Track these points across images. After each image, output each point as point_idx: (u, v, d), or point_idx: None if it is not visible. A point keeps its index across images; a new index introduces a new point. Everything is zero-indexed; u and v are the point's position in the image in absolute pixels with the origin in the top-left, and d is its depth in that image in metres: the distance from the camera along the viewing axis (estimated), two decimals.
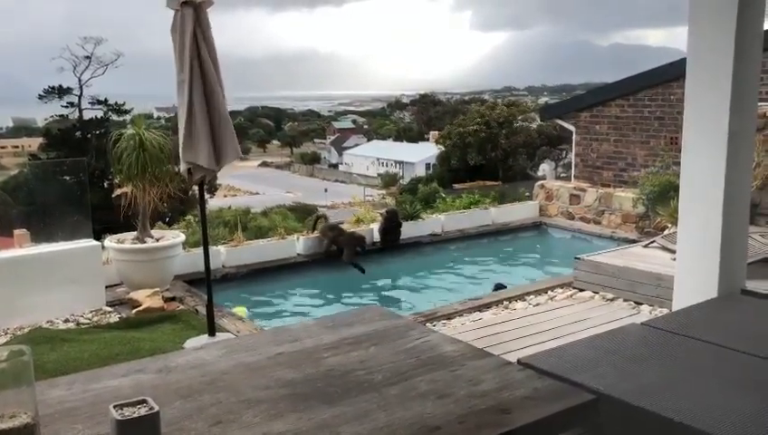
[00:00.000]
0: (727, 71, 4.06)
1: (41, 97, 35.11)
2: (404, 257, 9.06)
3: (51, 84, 34.98)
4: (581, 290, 6.78)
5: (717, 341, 3.32)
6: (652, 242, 7.29)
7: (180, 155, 5.21)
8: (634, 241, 8.47)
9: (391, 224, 9.01)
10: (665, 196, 8.37)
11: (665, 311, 5.55)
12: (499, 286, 7.49)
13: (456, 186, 22.61)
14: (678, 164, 4.64)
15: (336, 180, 67.60)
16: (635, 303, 6.32)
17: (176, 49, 5.09)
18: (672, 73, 9.50)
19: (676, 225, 4.68)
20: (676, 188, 6.06)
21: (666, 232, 7.65)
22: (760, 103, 6.18)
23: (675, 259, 4.69)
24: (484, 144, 31.39)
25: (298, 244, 8.56)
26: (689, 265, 4.41)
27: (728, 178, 4.15)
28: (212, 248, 7.14)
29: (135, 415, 1.67)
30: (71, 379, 2.13)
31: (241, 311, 6.61)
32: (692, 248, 4.39)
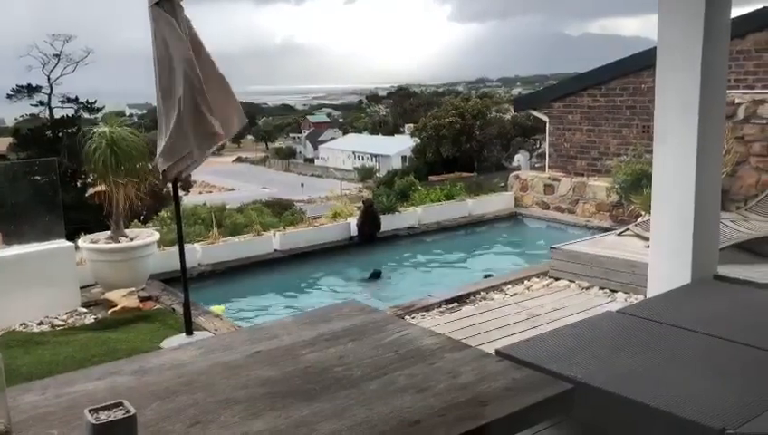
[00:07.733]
0: (696, 59, 4.11)
1: (9, 96, 34.54)
2: (382, 250, 9.07)
3: (19, 83, 34.41)
4: (557, 279, 6.84)
5: (691, 326, 3.37)
6: (626, 230, 7.37)
7: (158, 150, 5.14)
8: (608, 229, 8.55)
9: (370, 211, 9.02)
10: (638, 184, 8.46)
11: (640, 298, 5.61)
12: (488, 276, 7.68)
13: (433, 178, 22.59)
14: (651, 152, 4.69)
15: (312, 175, 67.35)
16: (610, 290, 6.39)
17: (154, 47, 5.03)
18: (643, 62, 9.57)
19: (650, 212, 4.73)
20: (648, 177, 6.13)
21: (639, 220, 7.73)
22: (729, 91, 6.27)
23: (648, 246, 4.75)
24: (458, 136, 31.47)
25: (274, 240, 8.52)
26: (663, 252, 4.47)
27: (699, 165, 4.20)
28: (187, 246, 7.08)
29: (111, 419, 1.66)
30: (44, 383, 2.09)
31: (219, 309, 6.57)
32: (665, 235, 4.44)
